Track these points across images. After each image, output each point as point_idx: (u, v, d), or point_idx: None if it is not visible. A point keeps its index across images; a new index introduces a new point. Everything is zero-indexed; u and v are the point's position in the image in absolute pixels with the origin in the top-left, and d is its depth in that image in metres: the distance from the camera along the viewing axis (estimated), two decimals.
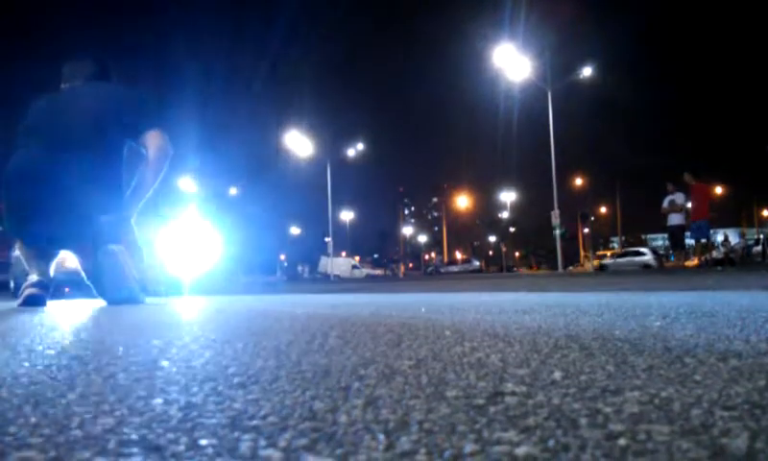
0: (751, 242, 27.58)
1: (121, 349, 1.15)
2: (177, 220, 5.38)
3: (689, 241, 12.49)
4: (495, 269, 54.04)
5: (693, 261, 12.32)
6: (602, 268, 28.08)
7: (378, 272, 49.54)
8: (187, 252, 5.73)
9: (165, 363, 0.95)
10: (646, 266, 25.63)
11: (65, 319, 2.23)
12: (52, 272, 3.63)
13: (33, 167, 3.56)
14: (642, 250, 33.04)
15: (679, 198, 11.75)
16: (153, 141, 3.64)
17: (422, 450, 0.45)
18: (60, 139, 3.55)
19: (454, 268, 52.46)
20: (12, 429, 0.55)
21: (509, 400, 0.61)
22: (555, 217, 21.96)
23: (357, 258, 58.14)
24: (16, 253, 5.63)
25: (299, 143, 34.99)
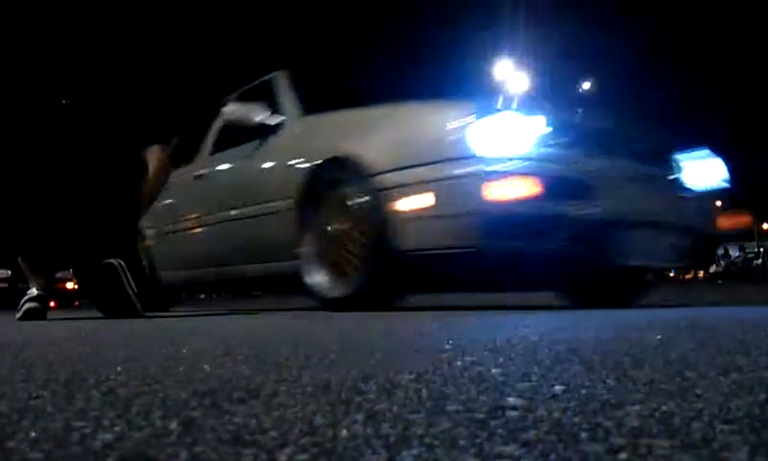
0: (751, 255, 27.56)
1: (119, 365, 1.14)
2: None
3: None
4: None
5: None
6: None
7: None
8: None
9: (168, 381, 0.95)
10: None
11: (64, 333, 2.23)
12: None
13: (33, 184, 3.58)
14: None
15: None
16: (153, 156, 3.67)
17: None
18: (61, 155, 3.57)
19: None
20: (11, 444, 0.55)
21: (510, 414, 0.61)
22: None
23: None
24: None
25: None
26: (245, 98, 4.37)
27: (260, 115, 3.87)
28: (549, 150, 2.83)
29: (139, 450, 0.52)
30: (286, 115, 3.91)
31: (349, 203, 3.20)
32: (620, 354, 1.05)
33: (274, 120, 3.88)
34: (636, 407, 0.62)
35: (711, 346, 1.14)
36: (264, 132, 3.90)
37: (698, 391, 0.70)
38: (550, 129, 2.86)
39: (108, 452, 0.51)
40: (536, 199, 2.70)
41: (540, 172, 2.74)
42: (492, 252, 2.76)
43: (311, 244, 3.37)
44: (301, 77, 4.24)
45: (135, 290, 3.43)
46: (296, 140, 3.75)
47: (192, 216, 4.68)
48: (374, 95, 3.59)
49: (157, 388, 0.84)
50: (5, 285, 15.65)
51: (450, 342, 1.36)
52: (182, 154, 5.09)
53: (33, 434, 0.59)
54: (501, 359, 1.04)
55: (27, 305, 3.47)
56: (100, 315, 3.62)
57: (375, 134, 3.20)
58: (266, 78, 4.40)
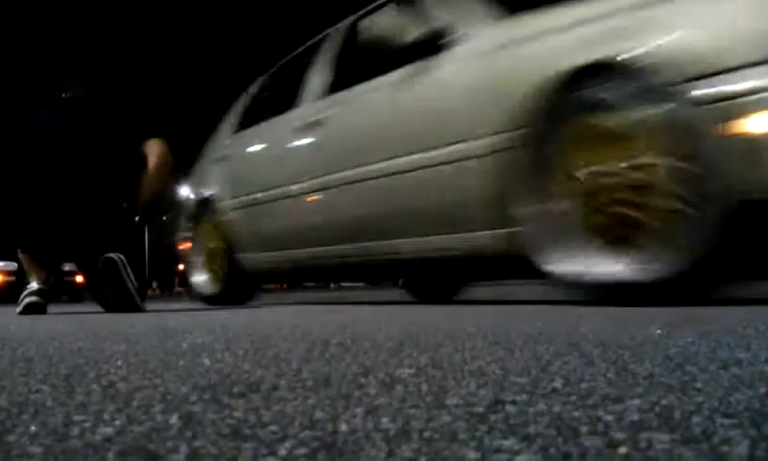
0: None
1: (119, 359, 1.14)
2: None
3: None
4: None
5: None
6: None
7: None
8: None
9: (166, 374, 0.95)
10: None
11: (64, 327, 2.23)
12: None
13: (34, 177, 3.58)
14: None
15: None
16: (154, 149, 3.67)
17: (423, 459, 0.45)
18: (62, 149, 3.57)
19: None
20: (11, 438, 0.55)
21: (509, 408, 0.61)
22: None
23: None
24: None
25: None
26: (359, 27, 3.26)
27: (416, 31, 2.91)
28: None
29: (139, 444, 0.52)
30: (463, 25, 2.84)
31: (635, 124, 2.09)
32: (620, 348, 1.05)
33: (442, 34, 2.87)
34: (636, 401, 0.62)
35: (712, 339, 1.14)
36: (422, 51, 2.91)
37: (698, 385, 0.70)
38: None
39: (108, 446, 0.51)
40: None
41: None
42: None
43: (543, 201, 2.35)
44: None
45: (136, 284, 3.44)
46: (492, 55, 2.62)
47: (308, 176, 3.52)
48: None
49: (158, 382, 0.84)
50: (12, 278, 15.71)
51: (449, 336, 1.36)
52: (257, 113, 4.36)
53: (33, 428, 0.59)
54: (501, 353, 1.04)
55: (27, 299, 3.48)
56: (100, 309, 3.63)
57: (675, 23, 2.03)
58: None
